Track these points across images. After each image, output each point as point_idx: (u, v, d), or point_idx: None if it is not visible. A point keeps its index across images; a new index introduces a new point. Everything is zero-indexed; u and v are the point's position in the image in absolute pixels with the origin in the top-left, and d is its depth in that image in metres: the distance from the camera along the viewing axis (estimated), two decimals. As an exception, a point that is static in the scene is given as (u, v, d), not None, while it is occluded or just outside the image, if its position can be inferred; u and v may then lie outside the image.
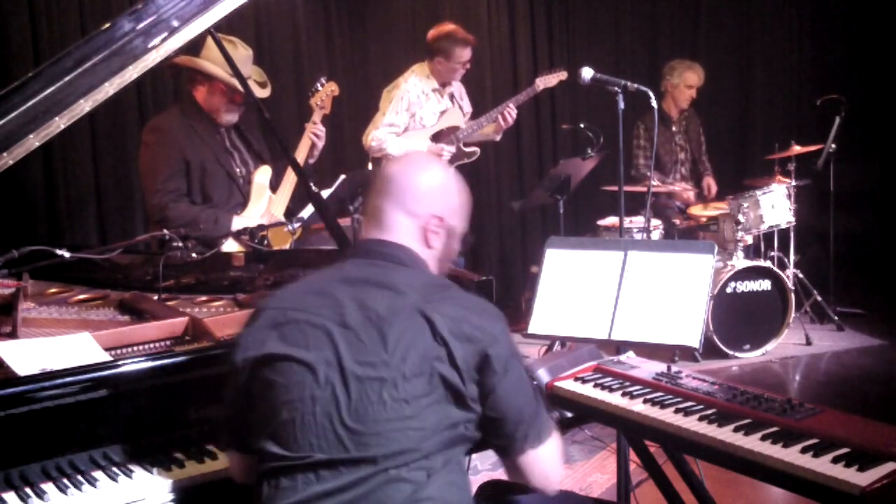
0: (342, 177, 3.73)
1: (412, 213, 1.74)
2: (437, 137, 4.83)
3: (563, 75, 4.94)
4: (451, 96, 4.97)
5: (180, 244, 2.64)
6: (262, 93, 3.60)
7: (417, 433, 1.55)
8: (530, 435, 1.68)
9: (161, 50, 2.28)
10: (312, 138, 3.71)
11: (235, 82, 3.12)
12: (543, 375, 2.32)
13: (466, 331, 1.59)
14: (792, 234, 5.55)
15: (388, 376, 1.55)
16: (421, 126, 4.81)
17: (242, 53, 3.54)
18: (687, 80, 5.74)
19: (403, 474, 1.54)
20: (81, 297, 2.64)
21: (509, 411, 1.64)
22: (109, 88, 2.21)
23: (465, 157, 4.91)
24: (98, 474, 1.79)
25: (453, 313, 1.60)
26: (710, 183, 5.89)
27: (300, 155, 3.68)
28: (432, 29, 4.90)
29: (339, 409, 1.55)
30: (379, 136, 4.70)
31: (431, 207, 1.75)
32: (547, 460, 1.72)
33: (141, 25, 2.24)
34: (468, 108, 5.09)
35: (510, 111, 4.83)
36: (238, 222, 3.46)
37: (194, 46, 3.33)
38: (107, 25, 2.22)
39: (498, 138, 5.04)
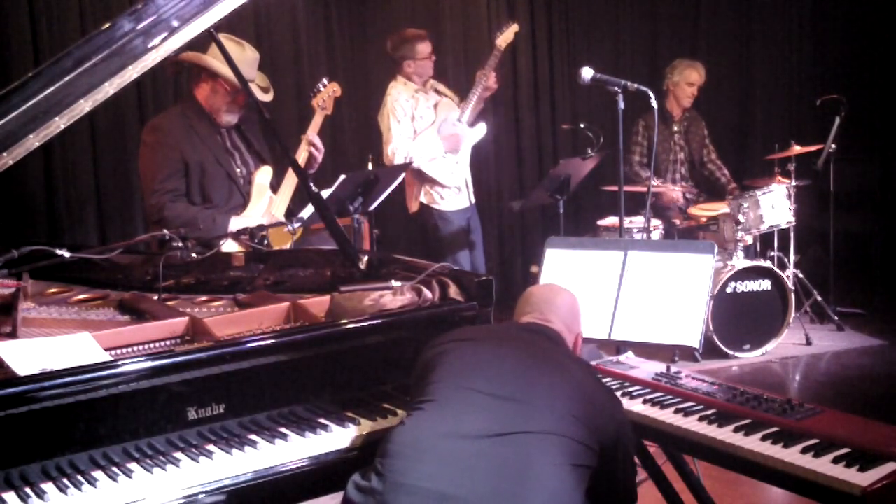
0: (342, 177, 3.73)
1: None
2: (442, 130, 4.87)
3: (515, 27, 4.98)
4: (437, 91, 5.00)
5: (180, 244, 2.63)
6: (264, 97, 3.61)
7: None
8: None
9: (161, 50, 2.27)
10: (312, 151, 3.70)
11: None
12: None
13: None
14: (792, 234, 5.55)
15: None
16: (425, 125, 4.83)
17: (250, 56, 3.54)
18: (687, 78, 5.74)
19: None
20: (81, 297, 2.64)
21: None
22: (109, 88, 2.20)
23: (477, 134, 4.95)
24: (98, 474, 1.78)
25: None
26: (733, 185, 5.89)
27: (290, 183, 3.66)
28: (388, 41, 4.98)
29: None
30: (396, 144, 4.76)
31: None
32: None
33: (141, 25, 2.23)
34: (455, 97, 5.11)
35: (490, 81, 4.86)
36: (236, 223, 3.46)
37: (199, 45, 3.33)
38: (107, 25, 2.22)
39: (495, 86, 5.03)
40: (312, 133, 3.75)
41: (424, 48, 4.88)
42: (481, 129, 4.97)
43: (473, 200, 5.09)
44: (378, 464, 1.77)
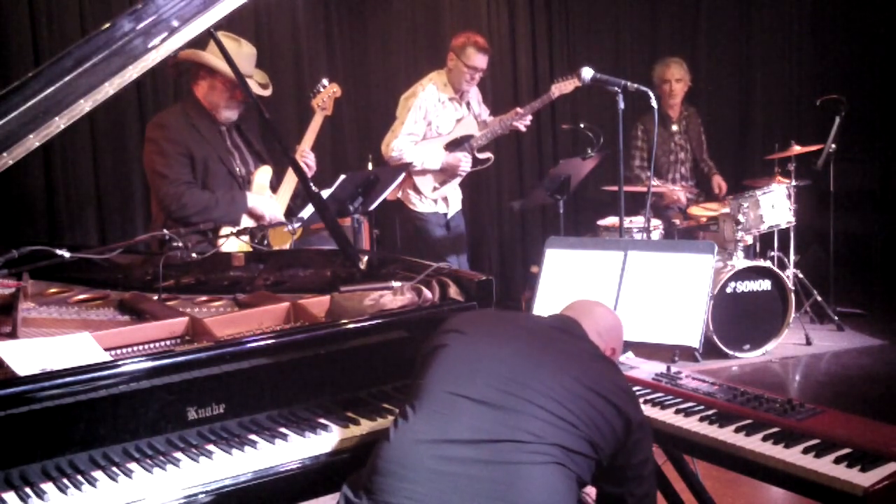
0: (342, 177, 3.73)
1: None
2: (451, 145, 4.83)
3: (578, 82, 4.88)
4: (468, 105, 4.96)
5: (180, 244, 2.63)
6: (263, 93, 3.61)
7: None
8: None
9: (161, 50, 2.27)
10: (302, 167, 3.70)
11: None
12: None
13: None
14: (792, 234, 5.55)
15: None
16: (437, 134, 4.81)
17: (246, 51, 3.54)
18: (668, 75, 5.76)
19: None
20: (81, 297, 2.64)
21: None
22: (109, 88, 2.20)
23: (480, 164, 4.93)
24: (98, 474, 1.78)
25: None
26: (719, 182, 5.88)
27: (290, 183, 3.67)
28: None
29: None
30: (398, 144, 4.73)
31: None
32: None
33: (141, 25, 2.23)
34: (487, 114, 5.09)
35: (524, 122, 4.85)
36: (253, 199, 3.48)
37: (196, 42, 3.33)
38: (107, 25, 2.21)
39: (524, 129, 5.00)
40: (307, 145, 3.75)
41: (473, 56, 4.72)
42: (487, 161, 4.95)
43: (458, 208, 5.05)
44: (367, 481, 1.77)
